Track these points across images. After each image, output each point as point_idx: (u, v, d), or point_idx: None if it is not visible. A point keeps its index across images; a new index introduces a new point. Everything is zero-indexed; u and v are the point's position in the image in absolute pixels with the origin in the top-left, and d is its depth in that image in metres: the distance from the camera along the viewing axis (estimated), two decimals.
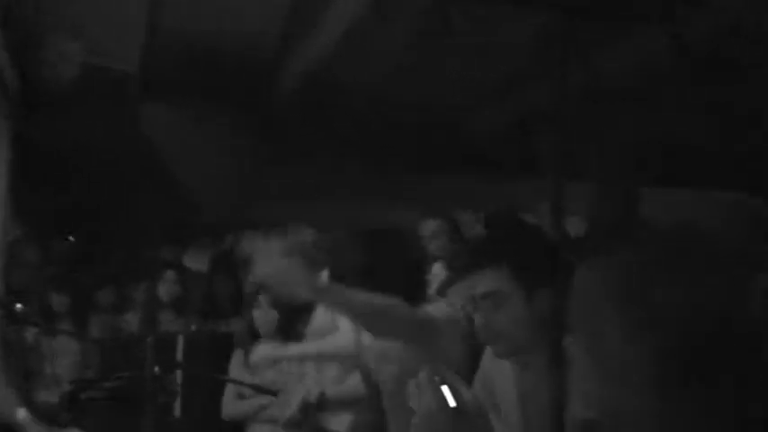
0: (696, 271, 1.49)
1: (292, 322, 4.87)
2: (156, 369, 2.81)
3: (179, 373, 4.30)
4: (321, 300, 2.54)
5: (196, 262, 6.42)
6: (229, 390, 4.71)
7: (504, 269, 2.18)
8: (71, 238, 6.44)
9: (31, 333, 5.16)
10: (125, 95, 5.67)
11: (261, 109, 6.16)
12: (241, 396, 4.67)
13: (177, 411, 3.96)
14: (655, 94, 5.80)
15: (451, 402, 2.03)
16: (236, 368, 4.76)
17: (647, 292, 1.51)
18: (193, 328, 4.96)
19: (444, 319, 2.60)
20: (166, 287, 5.49)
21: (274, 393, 4.30)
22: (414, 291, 2.82)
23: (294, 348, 3.46)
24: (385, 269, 2.88)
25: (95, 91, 5.43)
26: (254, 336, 4.74)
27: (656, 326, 1.47)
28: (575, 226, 5.01)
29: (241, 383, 4.48)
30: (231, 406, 4.68)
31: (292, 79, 5.72)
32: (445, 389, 2.05)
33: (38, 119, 5.53)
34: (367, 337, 3.04)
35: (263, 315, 4.68)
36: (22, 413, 3.06)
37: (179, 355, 4.62)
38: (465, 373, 2.32)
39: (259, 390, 4.38)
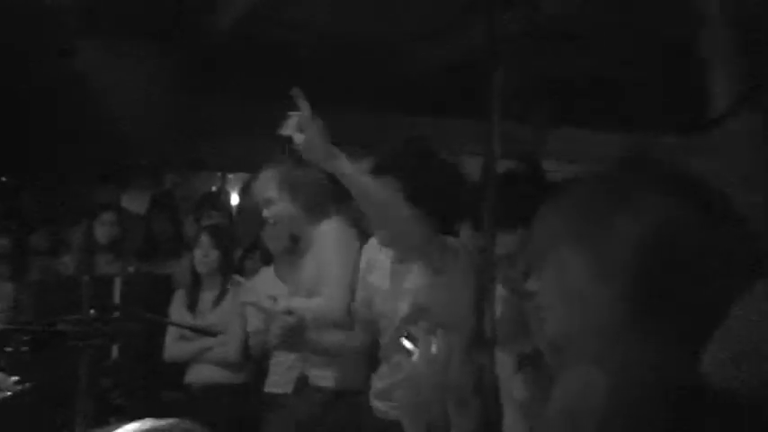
0: (650, 201, 1.51)
1: (233, 262, 4.86)
2: (92, 311, 2.74)
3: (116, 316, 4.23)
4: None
5: (135, 203, 6.31)
6: (171, 331, 4.66)
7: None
8: (3, 179, 6.27)
9: None
10: (60, 29, 5.49)
11: (198, 47, 6.03)
12: (183, 338, 4.63)
13: (115, 354, 3.90)
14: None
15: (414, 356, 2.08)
16: (176, 309, 4.71)
17: (604, 225, 1.52)
18: (131, 270, 4.88)
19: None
20: (104, 229, 5.36)
21: (214, 334, 4.30)
22: None
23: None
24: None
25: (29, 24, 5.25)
26: (194, 276, 4.71)
27: (616, 261, 1.49)
28: None
29: (180, 326, 4.46)
30: (173, 348, 4.64)
31: (230, 17, 5.60)
32: (407, 342, 2.08)
33: None
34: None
35: (204, 255, 4.64)
36: None
37: (116, 298, 4.54)
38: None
39: (199, 331, 4.38)
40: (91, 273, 5.21)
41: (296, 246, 4.08)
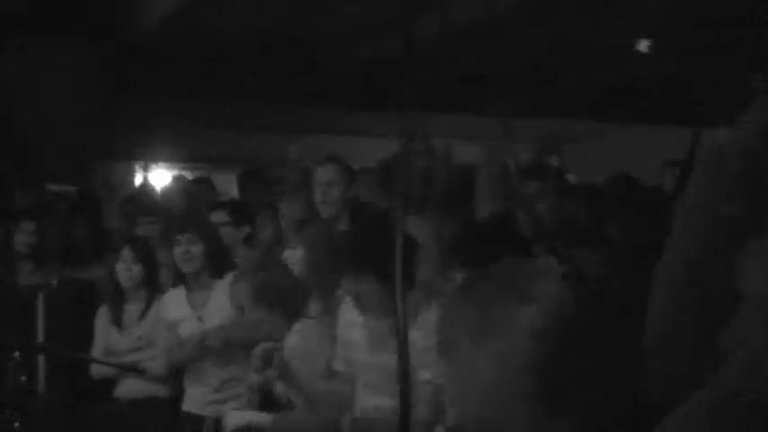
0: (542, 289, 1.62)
1: (157, 275, 4.81)
2: (17, 354, 2.71)
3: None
4: None
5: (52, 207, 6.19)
6: (97, 347, 4.60)
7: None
8: None
9: None
10: None
11: (117, 47, 5.95)
12: (110, 353, 4.56)
13: (41, 385, 3.86)
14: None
15: None
16: (101, 325, 4.64)
17: (503, 317, 1.61)
18: (54, 282, 4.79)
19: None
20: (23, 238, 5.26)
21: (142, 372, 4.28)
22: None
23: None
24: None
25: None
26: (118, 289, 4.66)
27: (499, 334, 1.58)
28: None
29: (107, 364, 4.40)
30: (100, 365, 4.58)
31: (151, 18, 5.52)
32: None
33: None
34: None
35: (127, 269, 4.59)
36: None
37: (39, 314, 4.49)
38: None
39: (126, 369, 4.33)
40: (12, 284, 5.14)
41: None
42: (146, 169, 8.56)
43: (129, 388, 4.50)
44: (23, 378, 2.73)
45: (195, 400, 4.25)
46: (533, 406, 1.55)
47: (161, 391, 4.48)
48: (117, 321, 4.61)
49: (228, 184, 9.01)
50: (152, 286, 4.64)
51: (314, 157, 8.71)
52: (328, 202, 4.23)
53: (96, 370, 4.56)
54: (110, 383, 4.54)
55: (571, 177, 7.61)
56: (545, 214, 4.01)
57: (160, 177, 8.69)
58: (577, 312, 1.57)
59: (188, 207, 5.73)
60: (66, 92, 6.32)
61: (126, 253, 4.59)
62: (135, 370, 4.29)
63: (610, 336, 1.59)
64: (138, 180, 8.56)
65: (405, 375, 1.69)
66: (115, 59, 6.17)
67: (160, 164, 8.76)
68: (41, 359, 4.33)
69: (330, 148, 8.52)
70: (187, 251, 4.25)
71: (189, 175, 8.68)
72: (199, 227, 4.39)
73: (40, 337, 4.36)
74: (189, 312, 4.28)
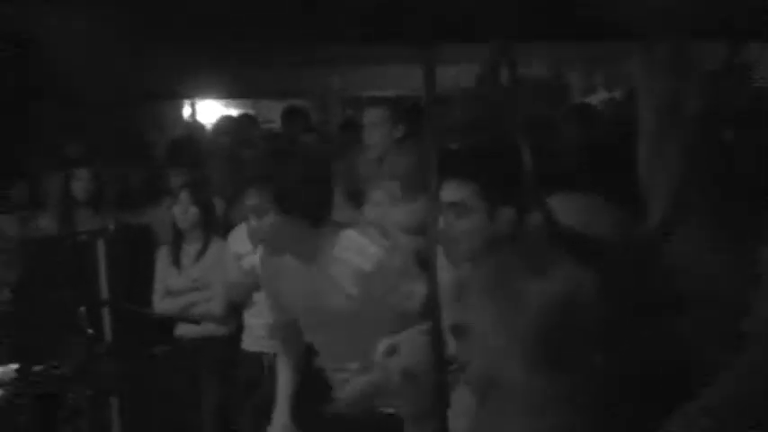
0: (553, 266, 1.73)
1: (214, 216, 4.94)
2: (83, 309, 2.88)
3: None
4: None
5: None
6: (158, 288, 4.81)
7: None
8: None
9: None
10: None
11: None
12: (170, 294, 4.78)
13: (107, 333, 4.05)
14: None
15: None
16: (161, 266, 4.84)
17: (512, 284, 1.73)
18: (111, 227, 4.96)
19: None
20: (80, 185, 5.44)
21: (197, 322, 4.43)
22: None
23: None
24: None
25: None
26: (176, 231, 4.82)
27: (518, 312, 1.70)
28: None
29: (166, 316, 4.57)
30: (161, 304, 4.78)
31: None
32: None
33: None
34: None
35: (183, 212, 4.74)
36: None
37: (100, 258, 4.66)
38: None
39: (184, 320, 4.49)
40: (71, 230, 5.33)
41: None
42: (193, 106, 8.69)
43: (189, 327, 4.70)
44: (90, 331, 2.89)
45: (254, 336, 4.42)
46: (536, 368, 1.68)
47: (220, 330, 4.67)
48: (176, 262, 4.79)
49: (274, 113, 9.18)
50: (209, 228, 4.77)
51: (356, 87, 8.89)
52: (373, 145, 4.32)
53: (156, 309, 4.76)
54: (171, 322, 4.75)
55: None
56: None
57: (208, 111, 8.83)
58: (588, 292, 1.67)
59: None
60: (102, 39, 6.42)
61: (183, 196, 4.74)
62: (192, 321, 4.45)
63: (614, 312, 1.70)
64: (186, 116, 8.70)
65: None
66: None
67: (207, 99, 8.87)
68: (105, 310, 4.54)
69: (371, 78, 8.69)
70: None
71: (234, 110, 8.86)
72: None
73: (103, 282, 4.54)
74: (251, 247, 4.38)
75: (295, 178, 2.73)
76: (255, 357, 4.36)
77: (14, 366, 3.13)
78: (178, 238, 4.80)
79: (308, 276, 2.83)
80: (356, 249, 2.77)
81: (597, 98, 8.27)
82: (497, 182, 2.23)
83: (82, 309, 2.88)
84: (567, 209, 1.98)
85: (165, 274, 4.82)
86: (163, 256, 4.85)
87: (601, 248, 1.88)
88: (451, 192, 2.25)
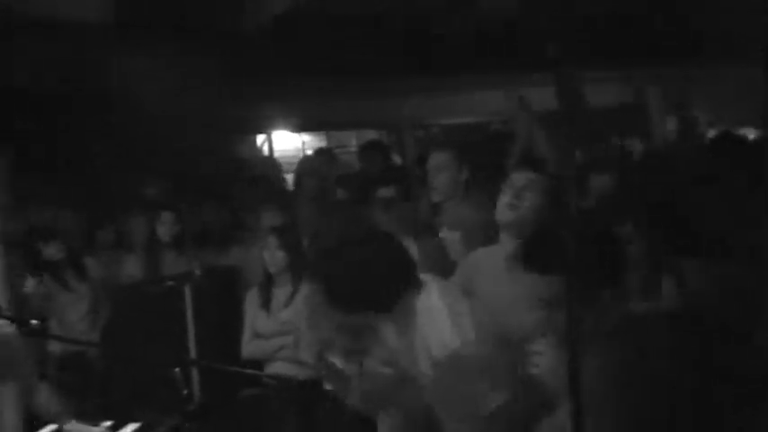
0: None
1: (302, 260, 4.92)
2: (177, 370, 2.89)
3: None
4: None
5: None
6: (247, 331, 4.80)
7: None
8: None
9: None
10: (100, 44, 5.61)
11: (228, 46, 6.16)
12: (258, 336, 4.77)
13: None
14: None
15: None
16: (251, 308, 4.83)
17: None
18: (197, 272, 5.02)
19: None
20: (165, 228, 5.53)
21: (288, 381, 4.37)
22: None
23: None
24: None
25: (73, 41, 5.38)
26: (267, 274, 4.80)
27: None
28: None
29: (251, 374, 4.51)
30: (249, 346, 4.77)
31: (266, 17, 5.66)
32: None
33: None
34: None
35: (271, 256, 4.74)
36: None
37: (188, 305, 4.72)
38: None
39: (273, 378, 4.43)
40: (157, 273, 5.41)
41: None
42: (270, 140, 8.77)
43: (277, 370, 4.69)
44: (185, 391, 2.90)
45: None
46: None
47: (308, 374, 4.63)
48: (265, 305, 4.78)
49: (348, 139, 9.22)
50: (297, 271, 4.73)
51: (431, 115, 8.88)
52: (438, 189, 4.25)
53: (245, 351, 4.75)
54: (258, 365, 4.76)
55: None
56: None
57: (285, 143, 8.91)
58: None
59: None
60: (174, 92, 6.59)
61: (270, 240, 4.74)
62: (283, 380, 4.38)
63: None
64: (264, 151, 8.79)
65: None
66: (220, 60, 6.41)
67: (284, 131, 8.94)
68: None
69: (446, 106, 8.68)
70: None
71: (311, 141, 8.93)
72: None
73: (191, 330, 4.58)
74: None
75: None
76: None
77: (107, 424, 3.17)
78: (268, 282, 4.79)
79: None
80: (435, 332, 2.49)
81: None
82: None
83: (177, 369, 2.88)
84: None
85: (254, 317, 4.81)
86: (252, 299, 4.85)
87: None
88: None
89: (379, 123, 8.93)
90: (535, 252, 2.17)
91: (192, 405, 3.02)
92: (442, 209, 4.33)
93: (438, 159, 4.34)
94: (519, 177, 2.88)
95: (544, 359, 2.25)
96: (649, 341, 1.91)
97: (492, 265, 3.01)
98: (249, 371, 4.21)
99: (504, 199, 2.88)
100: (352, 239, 2.67)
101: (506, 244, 2.97)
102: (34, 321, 2.92)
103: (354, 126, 9.07)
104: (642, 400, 1.83)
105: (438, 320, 2.43)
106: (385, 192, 4.74)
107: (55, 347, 5.46)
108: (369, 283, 2.43)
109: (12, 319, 2.99)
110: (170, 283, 4.86)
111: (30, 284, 5.47)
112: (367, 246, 2.54)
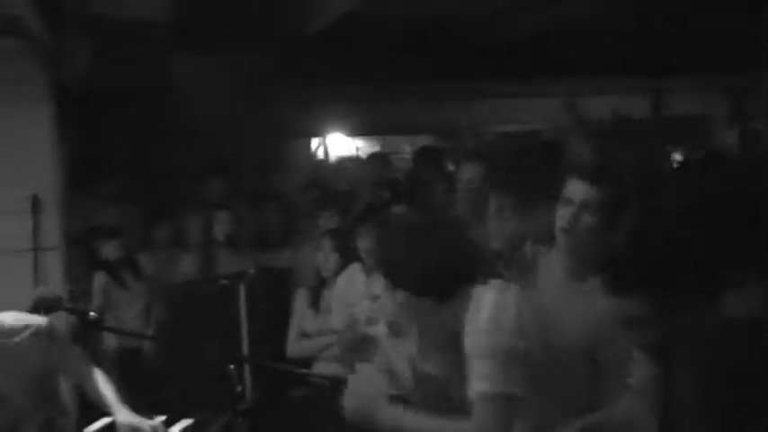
0: None
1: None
2: (232, 367, 2.92)
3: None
4: None
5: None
6: (293, 330, 4.86)
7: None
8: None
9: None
10: (156, 44, 5.71)
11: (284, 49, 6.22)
12: (304, 336, 4.82)
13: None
14: None
15: None
16: (300, 308, 4.89)
17: None
18: (252, 271, 5.06)
19: None
20: (221, 227, 5.59)
21: (339, 381, 4.35)
22: None
23: None
24: None
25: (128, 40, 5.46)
26: (318, 276, 4.84)
27: None
28: None
29: (305, 374, 4.52)
30: (295, 346, 4.83)
31: (325, 19, 5.70)
32: None
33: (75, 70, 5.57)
34: None
35: (325, 259, 4.77)
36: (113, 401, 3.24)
37: (241, 303, 4.75)
38: None
39: (326, 379, 4.41)
40: (212, 272, 5.47)
41: None
42: (325, 144, 8.81)
43: (324, 369, 4.70)
44: (240, 388, 2.93)
45: None
46: None
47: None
48: (314, 305, 4.83)
49: (402, 145, 9.21)
50: None
51: (488, 122, 8.85)
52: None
53: (290, 350, 4.80)
54: (306, 364, 4.78)
55: None
56: None
57: (339, 147, 8.94)
58: None
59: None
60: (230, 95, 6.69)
61: (325, 243, 4.78)
62: (334, 380, 4.36)
63: None
64: (319, 154, 8.83)
65: None
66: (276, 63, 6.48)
67: (339, 135, 8.97)
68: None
69: (499, 112, 8.65)
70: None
71: (365, 147, 8.95)
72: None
73: (244, 329, 4.62)
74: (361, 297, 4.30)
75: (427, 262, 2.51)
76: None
77: (161, 418, 3.21)
78: (319, 283, 4.83)
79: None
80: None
81: None
82: None
83: (232, 366, 2.91)
84: None
85: (301, 317, 4.87)
86: (301, 299, 4.91)
87: None
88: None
89: (435, 129, 8.92)
90: (620, 279, 2.17)
91: (245, 403, 3.05)
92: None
93: (468, 171, 4.27)
94: (576, 188, 2.80)
95: (638, 371, 2.24)
96: (743, 345, 1.89)
97: (549, 271, 2.97)
98: (302, 370, 4.23)
99: (561, 210, 2.82)
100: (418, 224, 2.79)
101: (564, 255, 2.90)
102: (93, 313, 3.00)
103: (409, 132, 9.07)
104: (736, 405, 1.83)
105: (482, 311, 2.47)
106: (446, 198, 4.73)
107: (110, 343, 5.58)
108: (433, 268, 2.48)
109: (72, 311, 3.03)
110: (224, 281, 4.89)
111: (88, 281, 5.60)
112: (433, 231, 2.62)
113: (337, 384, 4.11)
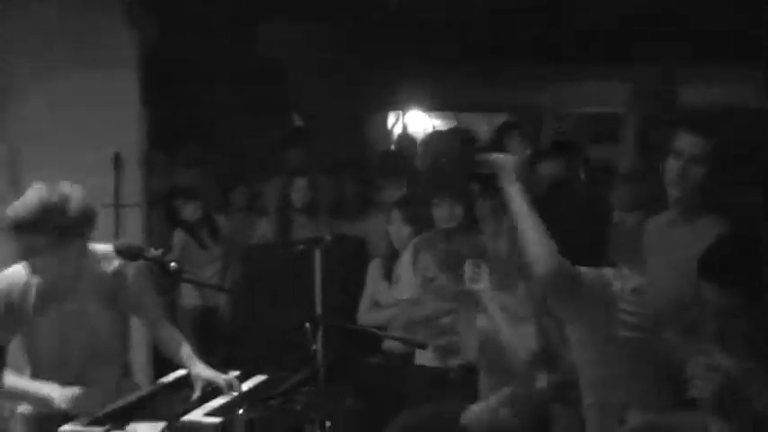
0: None
1: None
2: (308, 326, 2.93)
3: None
4: None
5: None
6: (365, 299, 4.87)
7: None
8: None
9: None
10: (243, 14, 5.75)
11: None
12: (376, 305, 4.83)
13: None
14: None
15: None
16: (373, 278, 4.89)
17: None
18: (328, 238, 5.07)
19: None
20: (299, 194, 5.61)
21: (423, 346, 4.33)
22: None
23: None
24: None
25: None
26: (391, 247, 4.84)
27: None
28: None
29: (390, 337, 4.49)
30: (367, 315, 4.83)
31: None
32: None
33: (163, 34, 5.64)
34: None
35: (397, 230, 4.76)
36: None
37: (317, 268, 4.78)
38: None
39: (408, 342, 4.39)
40: (288, 237, 5.51)
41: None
42: (403, 117, 8.78)
43: (393, 342, 4.69)
44: (314, 347, 2.93)
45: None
46: None
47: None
48: (387, 276, 4.82)
49: (478, 125, 9.12)
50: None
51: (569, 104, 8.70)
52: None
53: (362, 320, 4.79)
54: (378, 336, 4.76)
55: None
56: None
57: (418, 122, 8.90)
58: None
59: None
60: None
61: (395, 215, 4.76)
62: (419, 345, 4.34)
63: None
64: (397, 129, 8.80)
65: None
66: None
67: (417, 110, 8.93)
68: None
69: (582, 95, 8.49)
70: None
71: (444, 123, 8.89)
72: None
73: (318, 293, 4.64)
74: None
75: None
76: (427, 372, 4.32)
77: (235, 373, 3.24)
78: (392, 254, 4.81)
79: None
80: None
81: None
82: None
83: (307, 325, 2.92)
84: None
85: (374, 287, 4.87)
86: (374, 270, 4.90)
87: None
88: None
89: (514, 108, 8.80)
90: (719, 262, 2.17)
91: (319, 363, 3.06)
92: None
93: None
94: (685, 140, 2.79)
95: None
96: None
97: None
98: (381, 333, 4.25)
99: (670, 162, 2.82)
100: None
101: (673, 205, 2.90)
102: (173, 263, 3.04)
103: (487, 109, 8.97)
104: None
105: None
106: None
107: (188, 302, 5.67)
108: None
109: (153, 260, 3.07)
110: (301, 246, 4.92)
111: (168, 239, 5.70)
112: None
113: (419, 347, 4.14)
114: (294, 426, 2.93)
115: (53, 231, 2.97)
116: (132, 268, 3.24)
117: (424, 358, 4.33)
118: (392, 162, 6.18)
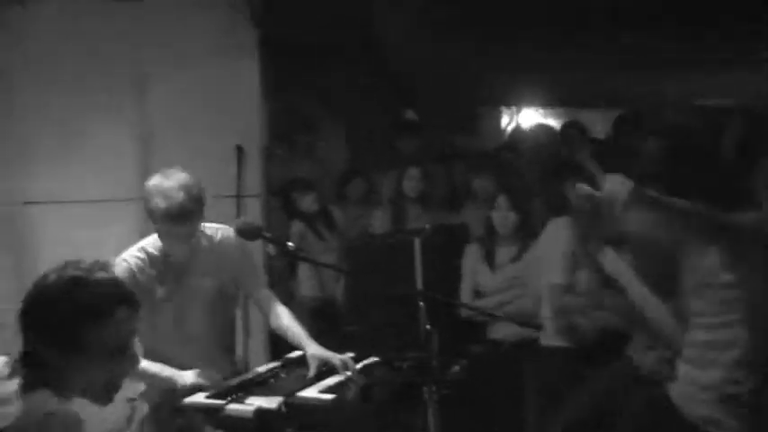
0: None
1: (530, 222, 4.91)
2: (422, 305, 2.99)
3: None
4: None
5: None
6: (465, 286, 4.89)
7: None
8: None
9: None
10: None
11: None
12: (478, 293, 4.86)
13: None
14: None
15: None
16: (471, 262, 4.91)
17: None
18: (428, 227, 5.11)
19: None
20: (412, 184, 5.68)
21: (538, 327, 4.30)
22: None
23: None
24: None
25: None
26: (492, 233, 4.87)
27: None
28: None
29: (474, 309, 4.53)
30: (472, 302, 4.83)
31: None
32: None
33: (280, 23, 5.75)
34: None
35: (503, 217, 4.78)
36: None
37: (417, 257, 4.82)
38: None
39: (524, 324, 4.39)
40: (401, 227, 5.57)
41: None
42: (517, 114, 8.75)
43: (507, 331, 4.72)
44: (428, 327, 2.99)
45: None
46: None
47: (534, 333, 4.51)
48: (490, 261, 4.85)
49: (595, 124, 8.98)
50: (526, 231, 4.80)
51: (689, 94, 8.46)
52: None
53: (464, 312, 4.78)
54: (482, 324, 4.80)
55: None
56: None
57: (530, 120, 8.85)
58: None
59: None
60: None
61: (501, 201, 4.79)
62: (533, 326, 4.32)
63: None
64: (509, 125, 8.78)
65: None
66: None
67: (530, 107, 8.89)
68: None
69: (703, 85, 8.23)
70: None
71: (553, 120, 8.81)
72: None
73: (418, 280, 4.70)
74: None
75: None
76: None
77: (350, 354, 3.33)
78: (492, 239, 4.84)
79: None
80: None
81: None
82: None
83: (422, 305, 2.98)
84: None
85: (474, 272, 4.90)
86: (472, 254, 4.93)
87: None
88: None
89: (629, 101, 8.63)
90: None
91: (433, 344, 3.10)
92: None
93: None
94: None
95: None
96: None
97: None
98: (492, 312, 4.26)
99: None
100: None
101: None
102: (290, 243, 3.18)
103: (599, 105, 8.83)
104: None
105: None
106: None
107: (306, 293, 5.81)
108: None
109: (271, 240, 3.21)
110: (401, 236, 4.99)
111: (286, 228, 5.85)
112: None
113: (537, 329, 4.14)
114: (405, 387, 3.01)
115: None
116: (233, 239, 3.39)
117: (549, 339, 4.33)
118: (505, 153, 6.18)
